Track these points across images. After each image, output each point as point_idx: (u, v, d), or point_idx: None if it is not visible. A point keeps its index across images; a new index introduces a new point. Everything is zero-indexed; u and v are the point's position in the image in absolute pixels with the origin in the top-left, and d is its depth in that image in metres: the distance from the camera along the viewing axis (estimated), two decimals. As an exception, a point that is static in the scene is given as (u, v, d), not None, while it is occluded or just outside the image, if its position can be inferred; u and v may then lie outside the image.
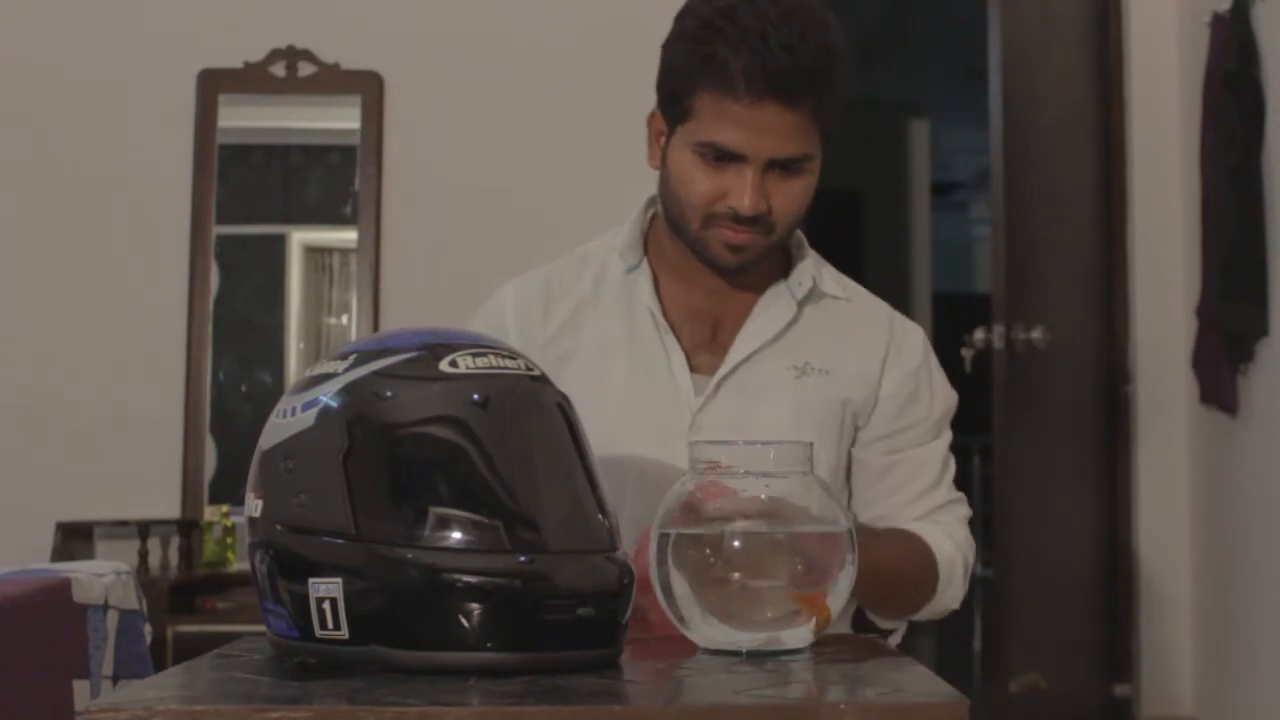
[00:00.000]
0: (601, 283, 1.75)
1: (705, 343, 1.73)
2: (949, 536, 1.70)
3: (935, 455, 1.75)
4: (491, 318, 1.75)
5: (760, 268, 1.71)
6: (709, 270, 1.69)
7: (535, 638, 1.10)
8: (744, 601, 1.21)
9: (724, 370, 1.70)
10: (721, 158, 1.59)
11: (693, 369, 1.70)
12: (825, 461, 1.67)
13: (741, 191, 1.59)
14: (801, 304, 1.74)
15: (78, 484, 3.85)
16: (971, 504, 1.79)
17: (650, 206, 1.78)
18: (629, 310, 1.73)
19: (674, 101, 1.63)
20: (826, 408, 1.70)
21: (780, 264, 1.76)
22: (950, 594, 1.69)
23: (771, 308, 1.73)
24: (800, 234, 1.76)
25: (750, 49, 1.54)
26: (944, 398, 1.77)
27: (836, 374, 1.71)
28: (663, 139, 1.67)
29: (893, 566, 1.62)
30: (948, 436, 1.79)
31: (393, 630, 1.10)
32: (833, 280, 1.78)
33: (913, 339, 1.77)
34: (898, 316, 1.79)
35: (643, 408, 1.68)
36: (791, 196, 1.62)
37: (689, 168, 1.62)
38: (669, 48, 1.64)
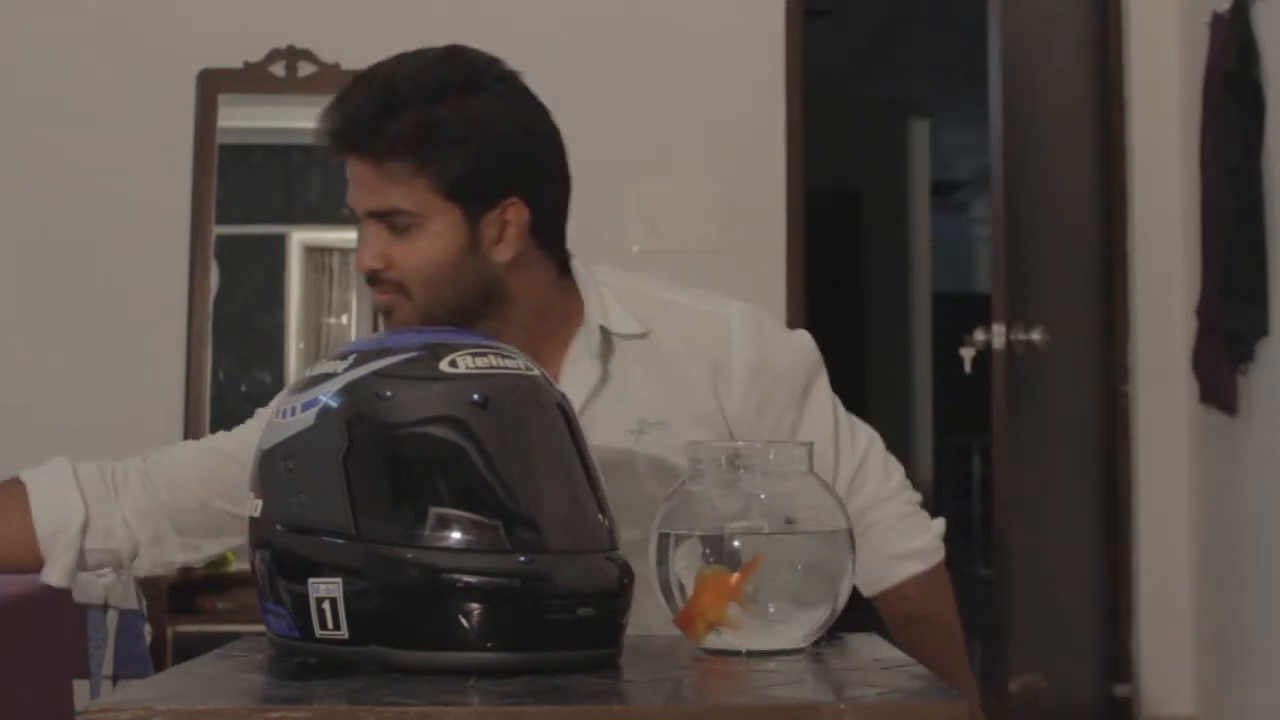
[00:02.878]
0: None
1: None
2: (911, 534, 1.70)
3: (818, 425, 1.65)
4: None
5: (552, 317, 1.62)
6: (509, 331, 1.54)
7: (535, 638, 1.10)
8: (744, 601, 1.21)
9: None
10: (354, 218, 1.61)
11: None
12: None
13: (359, 251, 1.60)
14: (603, 356, 1.62)
15: (78, 484, 3.85)
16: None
17: None
18: None
19: None
20: (678, 457, 1.47)
21: (576, 306, 1.64)
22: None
23: (576, 369, 1.61)
24: (577, 264, 1.65)
25: (329, 106, 1.56)
26: (791, 354, 1.66)
27: (675, 421, 1.60)
28: None
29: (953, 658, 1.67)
30: (822, 399, 1.67)
31: (393, 630, 1.10)
32: (625, 315, 1.64)
33: (737, 336, 1.64)
34: (714, 314, 1.66)
35: None
36: (407, 255, 1.55)
37: None
38: None
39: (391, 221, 1.56)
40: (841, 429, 1.68)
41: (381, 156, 1.53)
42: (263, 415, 1.60)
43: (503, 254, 1.57)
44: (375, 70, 1.58)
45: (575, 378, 1.60)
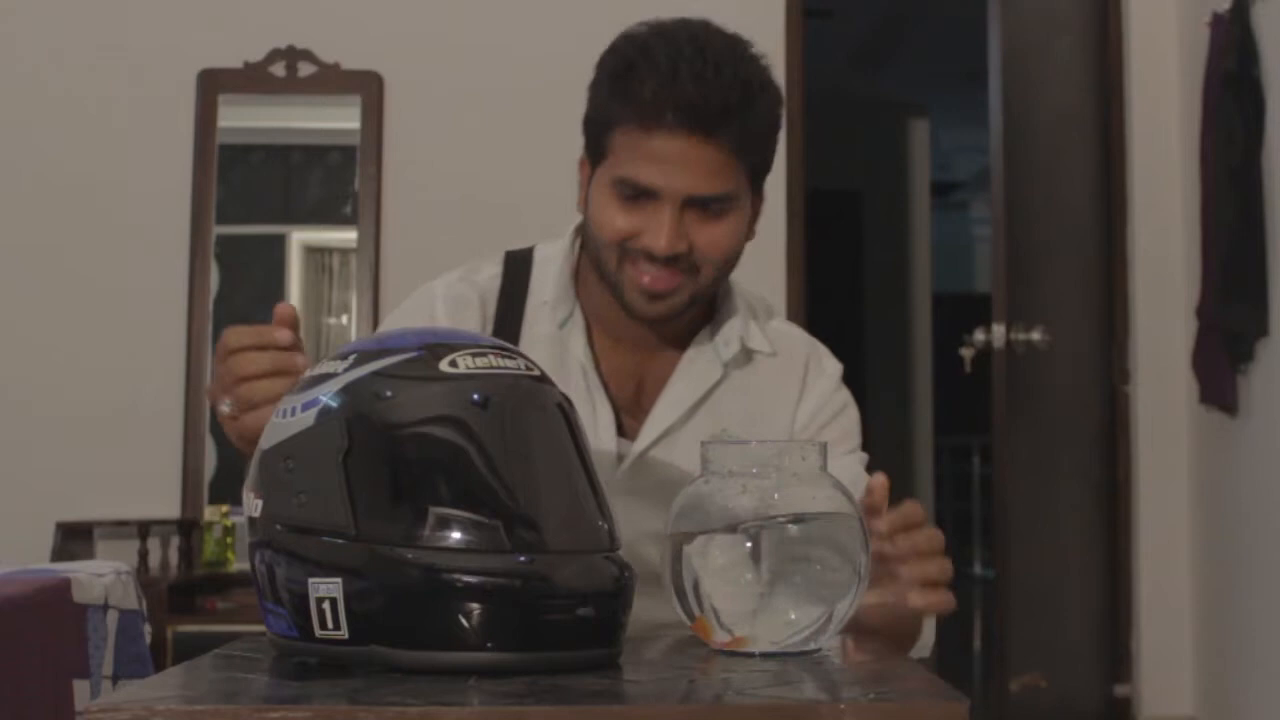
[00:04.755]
0: (533, 327, 1.67)
1: (630, 403, 1.67)
2: None
3: (860, 468, 1.68)
4: (418, 315, 1.66)
5: (683, 320, 1.65)
6: (633, 321, 1.62)
7: (535, 638, 1.10)
8: (756, 602, 1.21)
9: (644, 442, 1.65)
10: (638, 195, 1.54)
11: (620, 431, 1.65)
12: None
13: (657, 230, 1.53)
14: (727, 365, 1.68)
15: (78, 484, 3.85)
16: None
17: (575, 248, 1.71)
18: (561, 360, 1.64)
19: (594, 140, 1.60)
20: None
21: (705, 314, 1.69)
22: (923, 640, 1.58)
23: (695, 368, 1.67)
24: (730, 281, 1.69)
25: (660, 81, 1.51)
26: (855, 418, 1.74)
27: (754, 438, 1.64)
28: (588, 181, 1.63)
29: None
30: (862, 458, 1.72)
31: (393, 630, 1.10)
32: (762, 333, 1.72)
33: (827, 376, 1.73)
34: (816, 355, 1.75)
35: None
36: (716, 239, 1.56)
37: (605, 206, 1.57)
38: (591, 89, 1.61)
39: (710, 206, 1.55)
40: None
41: (731, 144, 1.53)
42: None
43: (747, 241, 1.63)
44: (703, 50, 1.53)
45: (690, 379, 1.67)
